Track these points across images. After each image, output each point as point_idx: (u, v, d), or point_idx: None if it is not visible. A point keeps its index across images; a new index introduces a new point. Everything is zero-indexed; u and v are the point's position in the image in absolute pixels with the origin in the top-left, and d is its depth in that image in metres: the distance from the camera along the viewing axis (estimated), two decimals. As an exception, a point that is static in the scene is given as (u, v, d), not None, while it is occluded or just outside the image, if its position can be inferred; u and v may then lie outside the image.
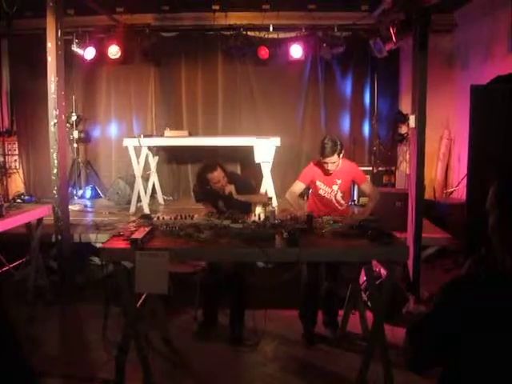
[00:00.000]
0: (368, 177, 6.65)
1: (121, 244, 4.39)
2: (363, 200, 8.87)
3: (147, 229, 4.55)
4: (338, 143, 5.45)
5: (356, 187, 7.97)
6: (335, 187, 5.64)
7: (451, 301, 1.84)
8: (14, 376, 1.70)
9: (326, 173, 5.60)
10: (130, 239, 4.29)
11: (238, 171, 10.11)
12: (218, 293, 5.90)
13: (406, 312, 6.11)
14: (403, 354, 2.03)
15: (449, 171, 9.77)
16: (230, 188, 5.70)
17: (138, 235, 4.33)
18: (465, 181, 7.42)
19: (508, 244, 1.81)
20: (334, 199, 5.68)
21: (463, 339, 1.78)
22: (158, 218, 5.22)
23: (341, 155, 5.51)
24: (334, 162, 5.48)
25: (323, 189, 5.67)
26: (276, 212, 5.12)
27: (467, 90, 6.71)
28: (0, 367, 1.68)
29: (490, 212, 1.88)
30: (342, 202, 5.71)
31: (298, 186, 5.76)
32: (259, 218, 5.03)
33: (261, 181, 8.63)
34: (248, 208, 5.72)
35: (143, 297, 5.03)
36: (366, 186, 5.81)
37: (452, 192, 9.33)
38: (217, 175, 5.64)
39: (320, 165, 5.64)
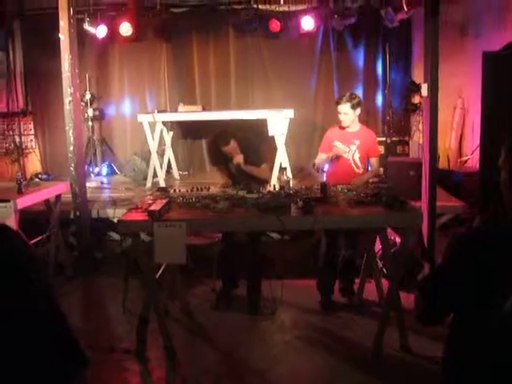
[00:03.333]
0: (380, 153, 6.67)
1: (139, 216, 4.47)
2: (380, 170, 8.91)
3: (164, 201, 4.63)
4: (357, 98, 5.61)
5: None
6: (353, 147, 5.69)
7: (462, 252, 1.89)
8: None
9: (341, 127, 5.69)
10: (147, 211, 4.38)
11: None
12: (234, 263, 5.99)
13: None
14: (415, 308, 2.09)
15: (463, 140, 9.71)
16: (239, 158, 5.71)
17: (156, 207, 4.41)
18: (479, 149, 7.40)
19: None
20: (351, 159, 5.72)
21: (473, 290, 1.84)
22: (175, 190, 5.30)
23: (356, 111, 5.62)
24: (347, 113, 5.58)
25: (341, 148, 5.72)
26: (291, 182, 5.18)
27: (480, 58, 6.67)
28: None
29: (501, 168, 1.93)
30: (359, 164, 5.76)
31: (320, 158, 5.83)
32: (274, 188, 5.10)
33: (275, 153, 8.67)
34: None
35: (162, 268, 5.13)
36: (375, 161, 5.87)
37: (466, 161, 9.30)
38: (229, 148, 5.68)
39: (337, 126, 5.78)
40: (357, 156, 5.71)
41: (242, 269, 5.89)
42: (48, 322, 1.82)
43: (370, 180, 5.88)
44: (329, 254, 5.74)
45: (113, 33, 9.85)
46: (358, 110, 5.65)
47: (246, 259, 5.83)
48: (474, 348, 1.87)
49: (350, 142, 5.69)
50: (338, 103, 5.62)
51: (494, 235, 1.87)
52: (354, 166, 5.74)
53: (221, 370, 4.61)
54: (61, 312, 1.91)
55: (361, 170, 5.79)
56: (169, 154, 9.83)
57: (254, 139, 6.08)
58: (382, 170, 8.56)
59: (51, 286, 1.91)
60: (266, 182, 5.81)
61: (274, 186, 5.24)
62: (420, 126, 9.43)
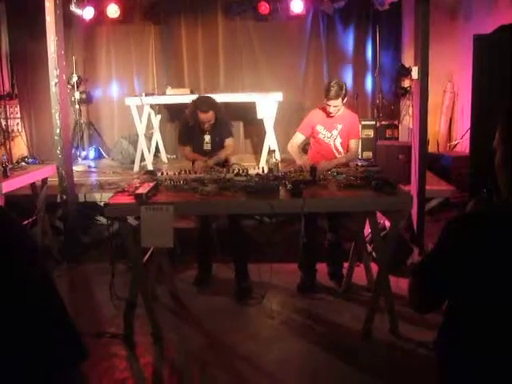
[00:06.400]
0: (360, 137, 6.59)
1: (125, 199, 4.41)
2: (366, 154, 8.89)
3: (151, 184, 4.57)
4: (344, 88, 5.51)
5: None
6: (335, 132, 5.63)
7: (456, 236, 1.84)
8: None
9: (328, 115, 5.61)
10: (134, 194, 4.32)
11: (241, 128, 10.23)
12: (210, 248, 5.96)
13: (411, 263, 6.15)
14: (408, 295, 2.04)
15: (452, 124, 9.70)
16: (203, 162, 5.59)
17: (143, 190, 4.35)
18: (469, 133, 7.38)
19: None
20: (332, 144, 5.66)
21: (468, 275, 1.80)
22: (162, 173, 5.24)
23: (344, 100, 5.55)
24: (337, 105, 5.50)
25: (323, 133, 5.66)
26: (280, 165, 5.13)
27: (471, 42, 6.63)
28: None
29: (496, 149, 1.89)
30: (341, 149, 5.68)
31: (298, 138, 5.78)
32: (263, 171, 5.05)
33: (264, 136, 8.63)
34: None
35: (149, 252, 5.08)
36: (354, 143, 5.74)
37: (456, 145, 9.30)
38: (207, 117, 5.60)
39: (322, 108, 5.69)
40: (338, 141, 5.65)
41: (217, 253, 5.93)
42: (45, 309, 1.74)
43: (359, 163, 5.84)
44: (307, 236, 5.69)
45: (100, 14, 9.74)
46: (346, 98, 5.60)
47: (229, 243, 5.80)
48: (476, 333, 1.83)
49: (333, 127, 5.62)
50: (328, 99, 5.45)
51: (490, 216, 1.83)
52: (334, 151, 5.68)
53: (208, 355, 4.57)
54: (60, 299, 1.81)
55: (342, 155, 5.74)
56: (157, 137, 9.76)
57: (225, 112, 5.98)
58: (370, 154, 8.57)
59: (49, 272, 1.82)
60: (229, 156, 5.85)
61: (263, 168, 5.18)
62: (410, 110, 9.39)
